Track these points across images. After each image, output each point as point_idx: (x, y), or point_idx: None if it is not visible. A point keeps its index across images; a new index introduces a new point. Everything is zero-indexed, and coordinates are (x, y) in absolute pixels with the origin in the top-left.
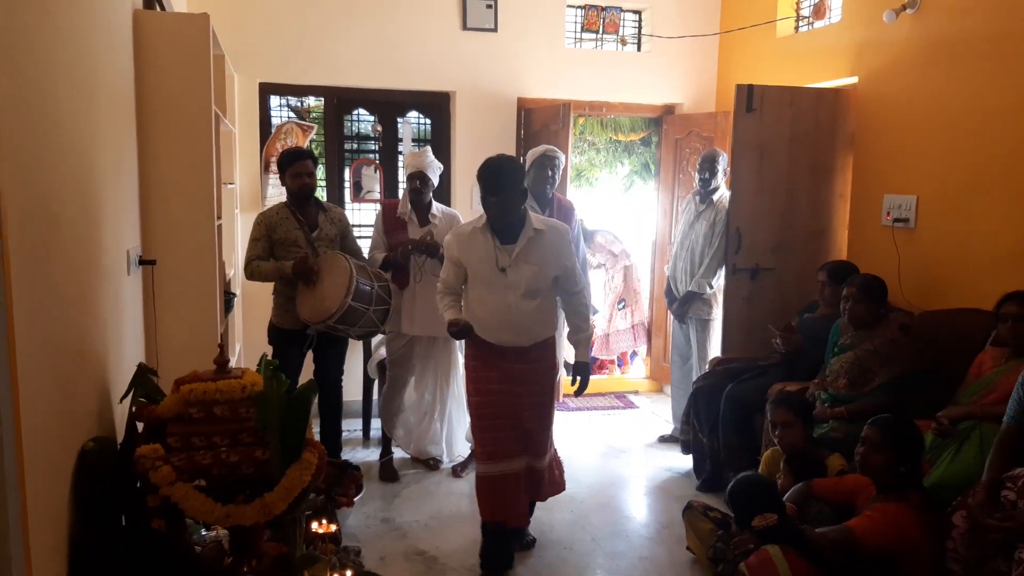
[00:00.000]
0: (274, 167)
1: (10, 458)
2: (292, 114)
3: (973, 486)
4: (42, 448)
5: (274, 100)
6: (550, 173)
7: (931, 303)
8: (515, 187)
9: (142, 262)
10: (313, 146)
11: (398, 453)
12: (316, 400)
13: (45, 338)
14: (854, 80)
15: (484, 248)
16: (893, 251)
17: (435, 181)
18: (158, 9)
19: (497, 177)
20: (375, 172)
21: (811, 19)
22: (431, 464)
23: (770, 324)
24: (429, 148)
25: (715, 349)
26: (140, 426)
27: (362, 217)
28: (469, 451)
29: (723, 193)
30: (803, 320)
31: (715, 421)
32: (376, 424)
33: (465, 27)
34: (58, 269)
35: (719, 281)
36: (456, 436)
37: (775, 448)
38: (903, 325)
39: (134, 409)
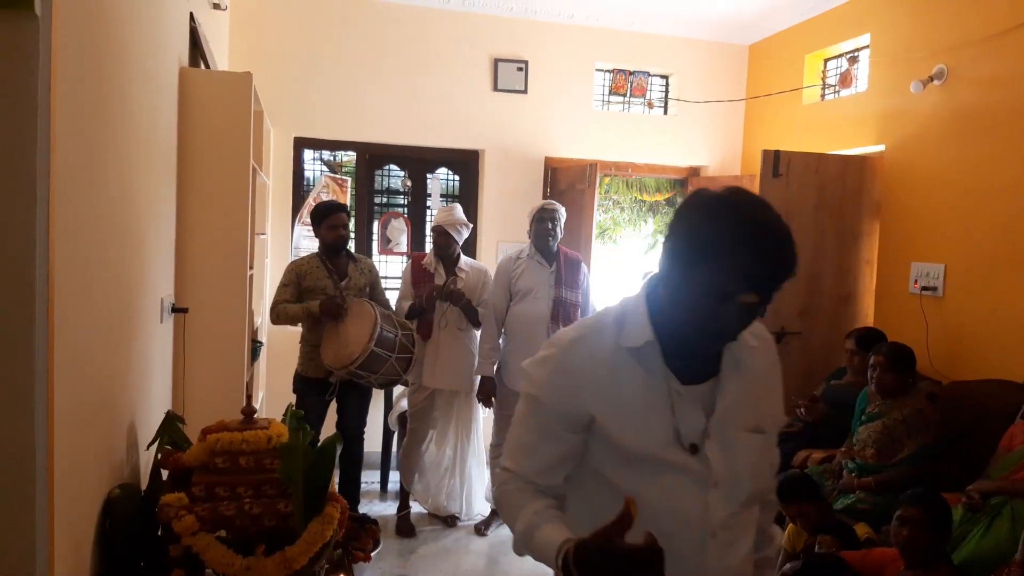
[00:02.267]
0: (307, 218)
1: (42, 502)
2: (325, 167)
3: (1006, 564)
4: (72, 492)
5: (307, 154)
6: (550, 226)
7: (960, 373)
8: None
9: (175, 310)
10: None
11: (415, 507)
12: None
13: (82, 384)
14: (881, 148)
15: None
16: (921, 319)
17: (460, 239)
18: (203, 67)
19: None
20: (402, 225)
21: (837, 87)
22: (448, 521)
23: (794, 395)
24: (459, 206)
25: None
26: (165, 473)
27: (388, 269)
28: (490, 509)
29: None
30: (830, 387)
31: None
32: (394, 477)
33: (496, 88)
34: (97, 317)
35: None
36: (475, 494)
37: (793, 526)
38: (931, 395)
39: (160, 456)
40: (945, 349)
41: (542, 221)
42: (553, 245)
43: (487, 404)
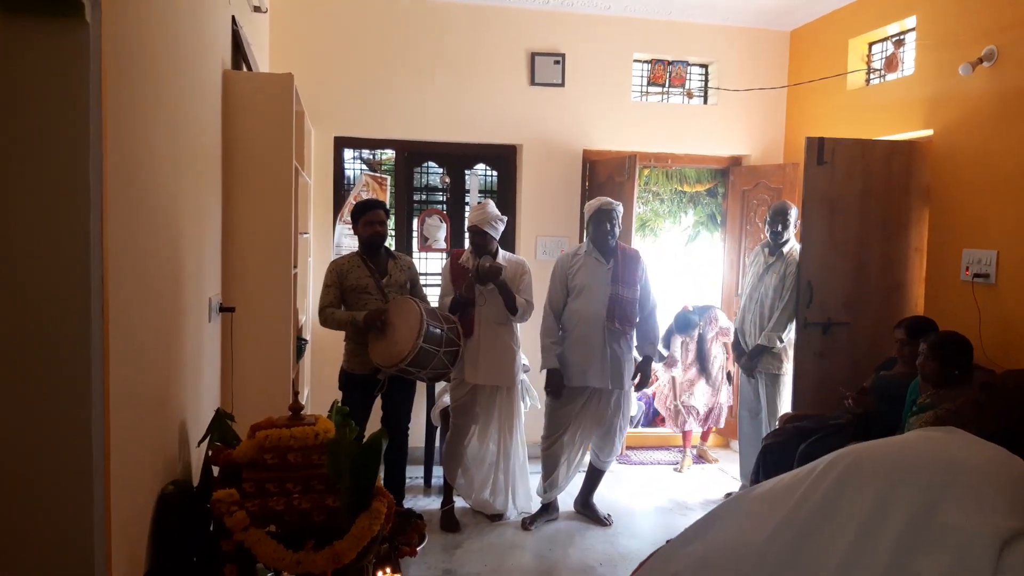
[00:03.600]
0: (347, 217)
1: (99, 498)
2: (364, 166)
3: None
4: (127, 489)
5: (347, 153)
6: (608, 226)
7: (1014, 362)
8: None
9: (222, 309)
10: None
11: (459, 502)
12: None
13: (136, 383)
14: (929, 133)
15: None
16: (973, 307)
17: (496, 234)
18: (245, 69)
19: None
20: (440, 222)
21: (883, 72)
22: (493, 517)
23: (842, 386)
24: (491, 202)
25: (785, 404)
26: (215, 469)
27: (428, 266)
28: (540, 505)
29: (793, 245)
30: (880, 378)
31: None
32: (438, 472)
33: (533, 83)
34: (149, 317)
35: (789, 335)
36: (519, 490)
37: None
38: (985, 385)
39: (210, 453)
40: (999, 337)
41: (600, 222)
42: (612, 242)
43: (556, 395)
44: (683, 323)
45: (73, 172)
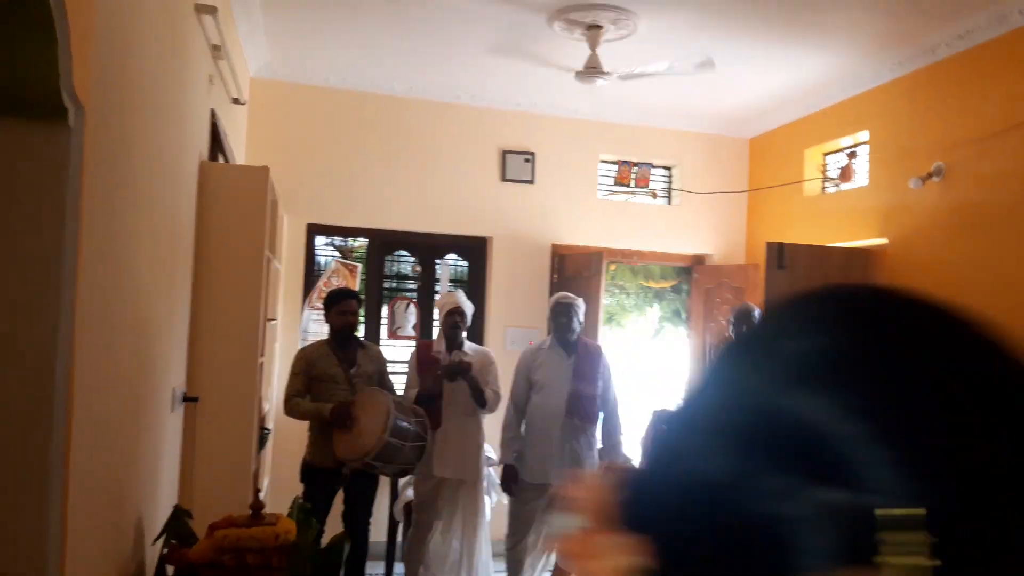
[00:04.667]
0: (319, 304)
1: None
2: (337, 253)
3: None
4: None
5: (319, 239)
6: (565, 320)
7: None
8: None
9: (186, 399)
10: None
11: None
12: None
13: (96, 479)
14: (883, 241)
15: None
16: None
17: (468, 319)
18: (221, 159)
19: None
20: (406, 310)
21: (837, 181)
22: None
23: None
24: (461, 291)
25: None
26: (170, 569)
27: (396, 353)
28: None
29: None
30: None
31: None
32: (399, 569)
33: (504, 178)
34: (112, 411)
35: None
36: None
37: None
38: None
39: (165, 551)
40: None
41: (557, 315)
42: (571, 337)
43: (509, 492)
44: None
45: (47, 270)
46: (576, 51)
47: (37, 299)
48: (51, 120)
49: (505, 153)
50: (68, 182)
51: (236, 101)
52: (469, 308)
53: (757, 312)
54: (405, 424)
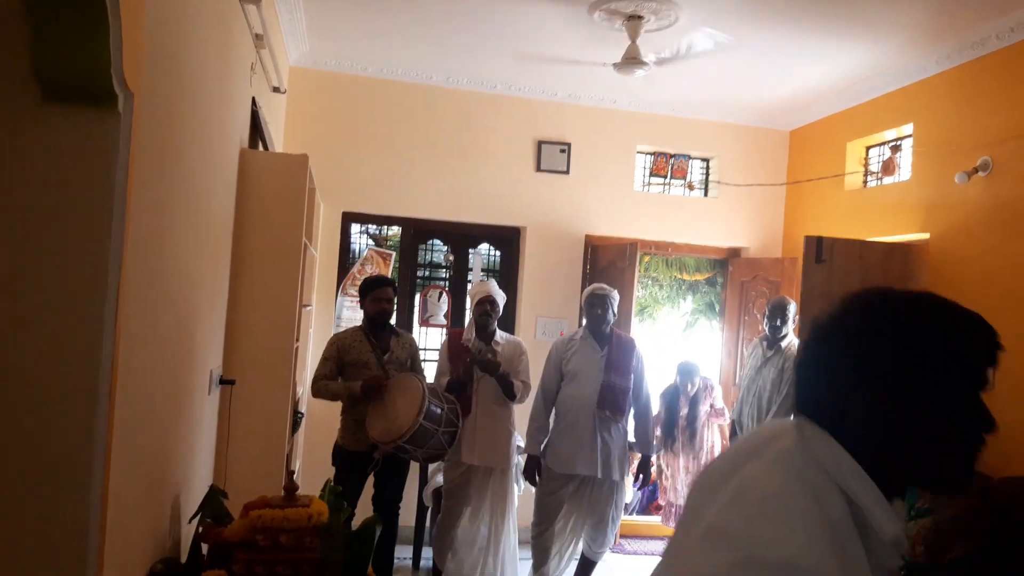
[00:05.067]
0: (352, 289)
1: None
2: (371, 241)
3: None
4: (119, 567)
5: (354, 227)
6: (600, 312)
7: (1011, 468)
8: None
9: (223, 382)
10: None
11: None
12: None
13: (136, 459)
14: (925, 236)
15: None
16: None
17: (500, 309)
18: (261, 147)
19: None
20: (440, 298)
21: (879, 175)
22: None
23: None
24: (493, 280)
25: None
26: (205, 547)
27: (428, 341)
28: None
29: (792, 340)
30: None
31: None
32: (427, 553)
33: (539, 169)
34: (153, 394)
35: None
36: (509, 575)
37: None
38: (983, 491)
39: (200, 530)
40: (995, 444)
41: (592, 307)
42: (605, 329)
43: (532, 482)
44: (686, 370)
45: (94, 253)
46: (615, 42)
47: (84, 282)
48: (101, 106)
49: (540, 143)
50: (116, 167)
51: (276, 90)
52: (501, 298)
53: (792, 306)
54: (438, 409)
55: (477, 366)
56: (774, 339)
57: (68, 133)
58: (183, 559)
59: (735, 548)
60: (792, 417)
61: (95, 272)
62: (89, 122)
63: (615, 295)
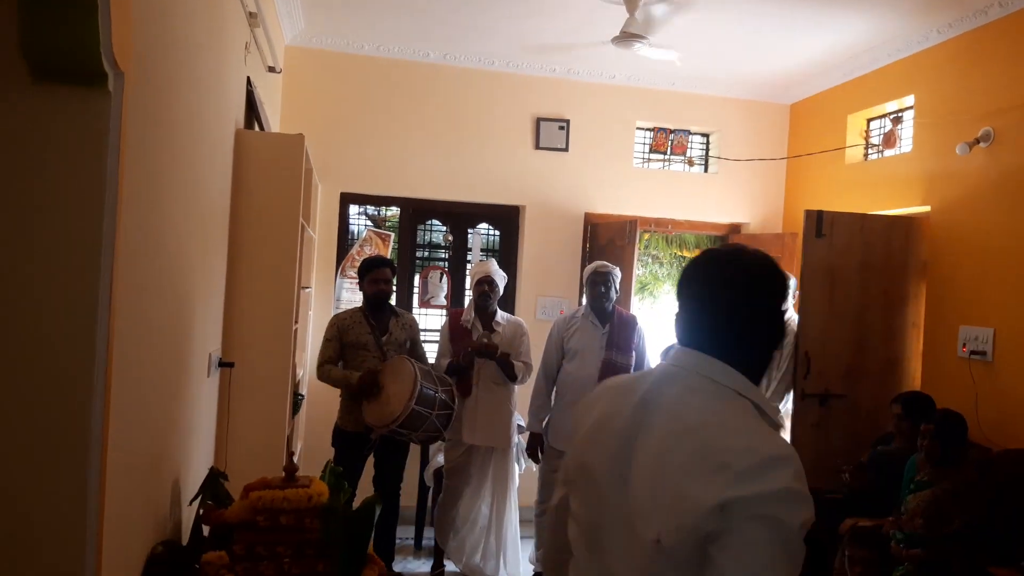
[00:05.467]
0: (351, 271)
1: (91, 558)
2: (369, 222)
3: None
4: (119, 548)
5: (353, 208)
6: (603, 290)
7: (1010, 440)
8: None
9: (222, 364)
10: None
11: (449, 566)
12: None
13: (134, 441)
14: (926, 209)
15: None
16: (970, 384)
17: (500, 289)
18: (257, 128)
19: None
20: (440, 279)
21: (881, 147)
22: None
23: (840, 459)
24: (494, 260)
25: None
26: (206, 529)
27: (428, 322)
28: (532, 573)
29: (792, 316)
30: (877, 453)
31: None
32: (429, 533)
33: (538, 146)
34: (151, 376)
35: (787, 406)
36: (511, 554)
37: None
38: (982, 463)
39: (201, 512)
40: (995, 415)
41: (594, 284)
42: (607, 306)
43: (534, 459)
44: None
45: (87, 234)
46: (614, 16)
47: (77, 264)
48: (91, 86)
49: (539, 120)
50: (108, 147)
51: (271, 69)
52: (501, 277)
53: (792, 282)
54: (432, 392)
55: (476, 353)
56: None
57: (58, 113)
58: (184, 541)
59: (782, 463)
60: (675, 355)
61: (87, 252)
62: (79, 102)
63: (617, 272)
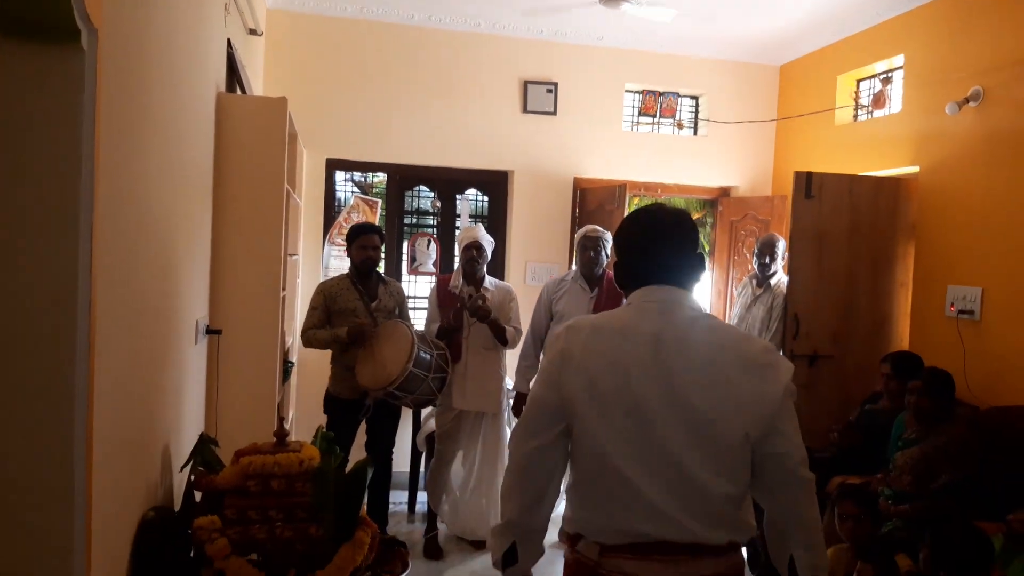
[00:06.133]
0: (339, 238)
1: (80, 525)
2: (356, 189)
3: None
4: (109, 515)
5: (339, 175)
6: (592, 254)
7: (998, 398)
8: None
9: (209, 331)
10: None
11: (443, 529)
12: None
13: (120, 407)
14: (915, 169)
15: None
16: (958, 343)
17: (488, 254)
18: (239, 92)
19: None
20: (428, 246)
21: (870, 108)
22: (477, 544)
23: (829, 419)
24: (481, 225)
25: None
26: (198, 494)
27: (417, 289)
28: None
29: (781, 278)
30: (865, 412)
31: None
32: (422, 497)
33: (525, 110)
34: (135, 341)
35: None
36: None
37: (839, 546)
38: (971, 421)
39: (193, 478)
40: (982, 374)
41: (584, 248)
42: (597, 271)
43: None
44: None
45: (64, 196)
46: None
47: (54, 229)
48: (63, 43)
49: (527, 84)
50: (83, 107)
51: (253, 32)
52: (488, 243)
53: (781, 243)
54: (427, 356)
55: (468, 312)
56: (763, 277)
57: (29, 71)
58: (177, 507)
59: (775, 348)
60: (662, 292)
61: (65, 218)
62: (52, 59)
63: (608, 237)
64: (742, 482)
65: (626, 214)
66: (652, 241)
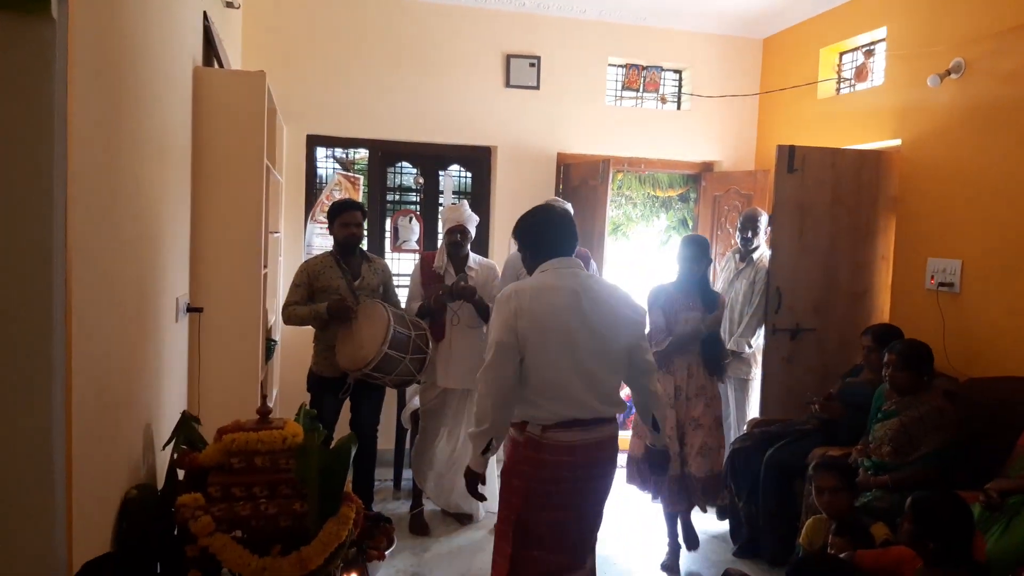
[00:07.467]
0: (321, 216)
1: (60, 503)
2: (337, 165)
3: None
4: (90, 493)
5: (320, 151)
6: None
7: (977, 370)
8: None
9: (190, 309)
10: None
11: (429, 505)
12: None
13: (99, 385)
14: (897, 143)
15: None
16: (937, 316)
17: (472, 234)
18: (216, 66)
19: None
20: (411, 223)
21: (853, 81)
22: (462, 519)
23: (810, 391)
24: (466, 203)
25: (753, 409)
26: (181, 473)
27: (400, 267)
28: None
29: (763, 252)
30: (846, 384)
31: (753, 485)
32: (407, 475)
33: (508, 84)
34: (113, 318)
35: (758, 340)
36: (488, 492)
37: (817, 517)
38: (949, 392)
39: (175, 456)
40: (962, 346)
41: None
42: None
43: None
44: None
45: (36, 168)
46: None
47: (26, 204)
48: (32, 12)
49: (509, 58)
50: (54, 80)
51: (229, 5)
52: (473, 222)
53: (764, 218)
54: (405, 336)
55: (449, 297)
56: (746, 251)
57: None
58: (160, 486)
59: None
60: (568, 261)
61: (37, 192)
62: (21, 28)
63: (569, 207)
64: (622, 374)
65: (609, 189)
66: (553, 228)
